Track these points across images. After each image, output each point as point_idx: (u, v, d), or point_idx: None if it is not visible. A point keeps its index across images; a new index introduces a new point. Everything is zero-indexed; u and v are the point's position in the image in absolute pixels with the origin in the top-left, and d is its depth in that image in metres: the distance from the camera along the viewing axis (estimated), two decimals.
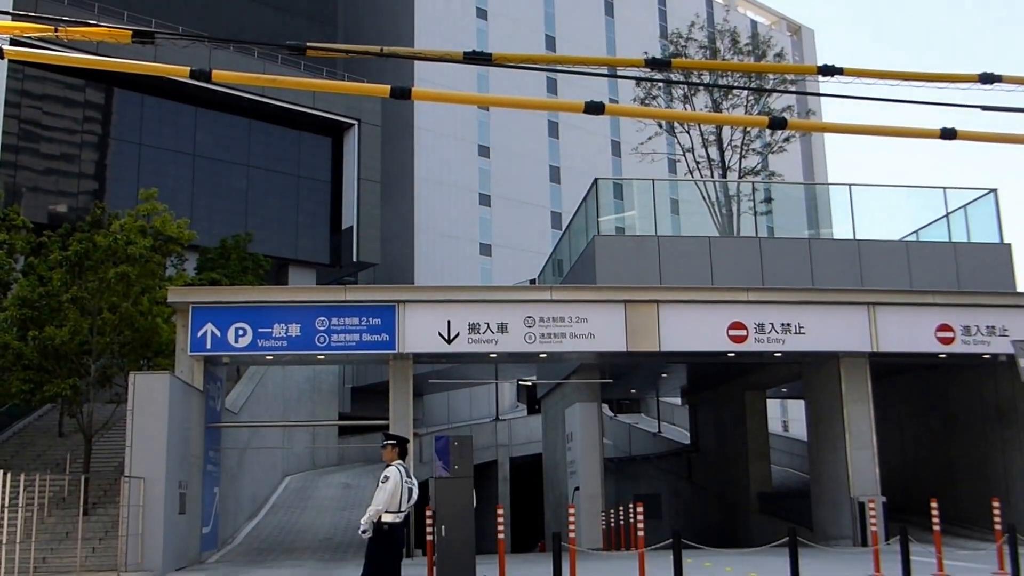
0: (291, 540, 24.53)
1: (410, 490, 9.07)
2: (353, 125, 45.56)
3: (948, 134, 8.45)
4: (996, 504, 14.86)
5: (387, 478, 8.92)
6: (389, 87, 8.07)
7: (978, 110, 8.42)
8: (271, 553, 22.01)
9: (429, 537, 13.03)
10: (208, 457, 20.46)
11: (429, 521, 13.00)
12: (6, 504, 14.35)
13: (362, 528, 8.95)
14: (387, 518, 8.88)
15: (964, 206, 26.53)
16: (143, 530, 16.97)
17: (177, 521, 18.21)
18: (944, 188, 26.51)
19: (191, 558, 19.15)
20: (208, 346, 19.33)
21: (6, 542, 14.38)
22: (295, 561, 19.66)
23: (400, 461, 9.19)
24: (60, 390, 20.91)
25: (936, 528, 14.24)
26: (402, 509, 8.95)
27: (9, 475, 14.59)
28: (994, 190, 26.20)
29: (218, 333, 19.31)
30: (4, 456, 24.03)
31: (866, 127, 9.11)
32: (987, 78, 8.36)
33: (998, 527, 14.31)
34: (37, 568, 15.90)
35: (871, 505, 15.03)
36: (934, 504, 14.50)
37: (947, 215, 26.37)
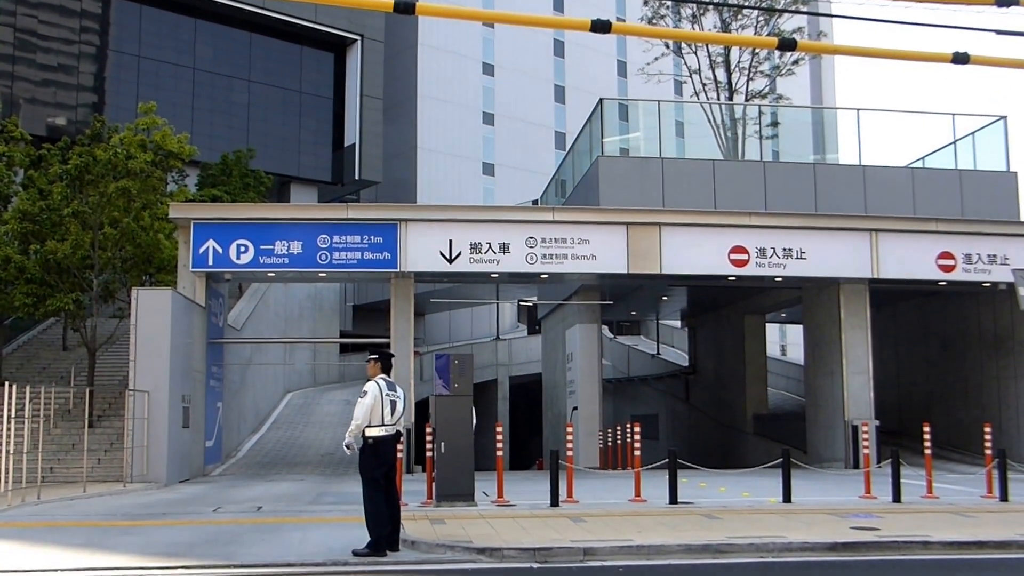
0: (293, 455, 24.98)
1: (393, 403, 9.08)
2: (356, 41, 44.72)
3: (960, 58, 8.30)
4: (988, 429, 15.06)
5: (365, 393, 8.97)
6: (392, 1, 7.90)
7: (992, 34, 8.25)
8: (273, 467, 22.44)
9: (429, 454, 13.25)
10: (211, 372, 20.68)
11: (429, 438, 13.20)
12: (13, 415, 14.56)
13: (345, 443, 9.05)
14: (372, 432, 8.94)
15: (972, 133, 26.24)
16: (148, 442, 17.28)
17: (181, 434, 18.52)
18: (953, 114, 26.18)
19: (195, 470, 19.53)
20: (210, 262, 19.37)
21: (13, 452, 14.64)
22: (297, 475, 20.05)
23: (383, 375, 9.25)
24: (63, 304, 21.03)
25: (927, 452, 14.47)
26: (386, 422, 9.00)
27: (15, 387, 14.77)
28: (1004, 117, 25.86)
29: (220, 250, 19.33)
30: (9, 368, 24.31)
31: (877, 50, 8.94)
32: (1004, 0, 8.17)
33: (989, 452, 14.53)
34: (45, 478, 16.23)
35: (864, 428, 15.25)
36: (926, 428, 14.71)
37: (954, 142, 26.10)
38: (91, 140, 25.29)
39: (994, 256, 20.94)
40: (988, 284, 21.39)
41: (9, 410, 14.47)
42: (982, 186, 25.23)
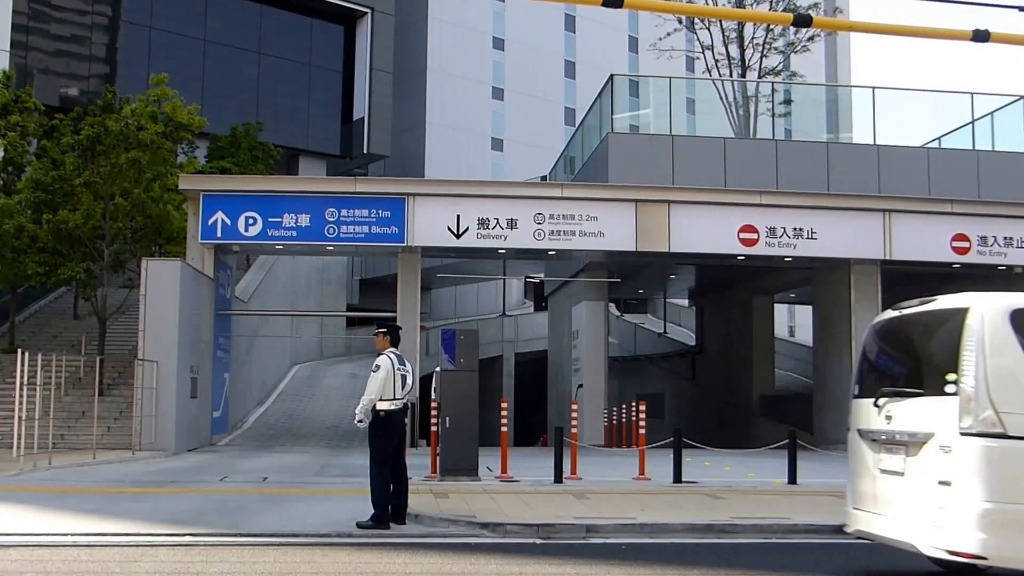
0: (298, 427, 25.09)
1: (403, 377, 9.11)
2: (366, 14, 44.44)
3: (980, 36, 8.17)
4: None
5: (378, 367, 8.99)
6: None
7: (1015, 11, 8.12)
8: (279, 439, 22.55)
9: (434, 428, 13.28)
10: (218, 344, 20.76)
11: (434, 413, 13.22)
12: (25, 382, 14.65)
13: (357, 418, 9.06)
14: (383, 406, 8.97)
15: (991, 113, 25.90)
16: (156, 412, 17.39)
17: (189, 404, 18.63)
18: (972, 93, 25.85)
19: (202, 440, 19.65)
20: (219, 234, 19.39)
21: (25, 418, 14.74)
22: (302, 447, 20.15)
23: (392, 349, 9.25)
24: (74, 273, 21.16)
25: None
26: (397, 396, 9.03)
27: (27, 354, 14.85)
28: None
29: (228, 221, 19.34)
30: (22, 336, 24.42)
31: (894, 27, 8.82)
32: None
33: None
34: (55, 444, 16.32)
35: None
36: None
37: (972, 122, 25.76)
38: (103, 111, 25.26)
39: (1010, 239, 20.69)
40: (1003, 267, 21.18)
41: (21, 377, 14.58)
42: (1000, 167, 24.89)
